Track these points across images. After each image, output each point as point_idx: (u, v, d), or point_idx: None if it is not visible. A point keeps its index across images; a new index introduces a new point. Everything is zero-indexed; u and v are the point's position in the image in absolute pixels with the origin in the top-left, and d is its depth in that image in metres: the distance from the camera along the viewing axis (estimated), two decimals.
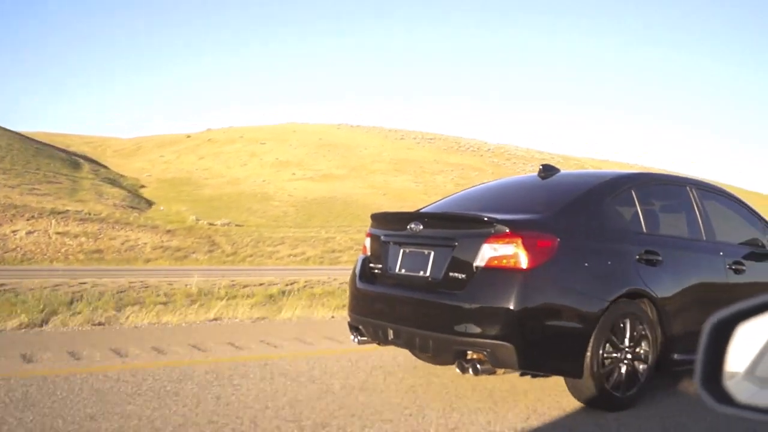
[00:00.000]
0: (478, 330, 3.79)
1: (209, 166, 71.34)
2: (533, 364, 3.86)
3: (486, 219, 3.95)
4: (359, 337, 4.55)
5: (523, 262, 3.78)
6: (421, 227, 4.26)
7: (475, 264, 3.91)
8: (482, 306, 3.81)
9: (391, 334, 4.27)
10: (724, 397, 1.06)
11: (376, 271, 4.59)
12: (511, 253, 3.81)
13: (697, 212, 4.92)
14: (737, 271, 4.88)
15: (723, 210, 5.36)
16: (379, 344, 4.55)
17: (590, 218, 4.25)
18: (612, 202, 4.45)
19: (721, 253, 4.86)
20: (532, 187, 4.95)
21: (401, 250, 4.42)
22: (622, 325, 4.04)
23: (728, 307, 1.08)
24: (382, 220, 4.77)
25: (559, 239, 3.91)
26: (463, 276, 3.93)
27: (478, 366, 3.78)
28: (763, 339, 1.06)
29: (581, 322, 3.88)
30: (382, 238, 4.61)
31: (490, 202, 4.64)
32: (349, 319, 4.74)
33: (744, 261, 4.98)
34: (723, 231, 5.10)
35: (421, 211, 4.72)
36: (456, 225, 4.19)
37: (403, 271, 4.36)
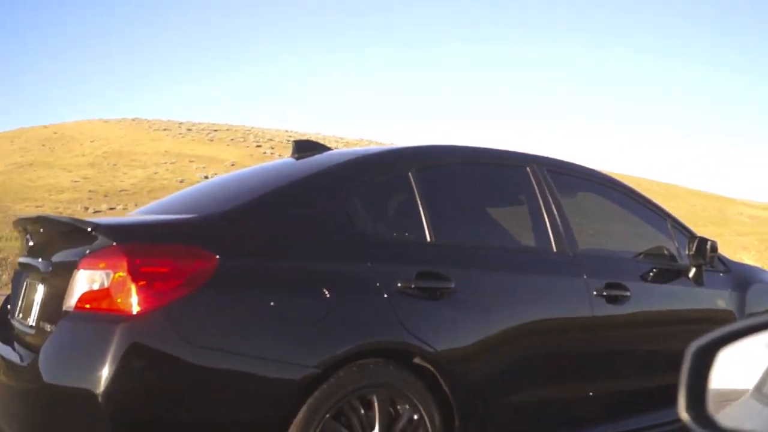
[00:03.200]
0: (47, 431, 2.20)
1: None
2: None
3: (87, 227, 2.26)
4: None
5: (132, 302, 2.08)
6: (32, 243, 2.71)
7: (64, 306, 2.23)
8: (57, 386, 2.16)
9: None
10: (708, 423, 1.07)
11: (8, 316, 2.86)
12: (110, 285, 2.12)
13: (542, 208, 3.10)
14: (614, 300, 3.10)
15: (604, 205, 3.67)
16: None
17: (302, 221, 2.50)
18: (362, 193, 2.67)
19: (585, 275, 3.04)
20: (265, 172, 3.10)
21: (26, 282, 2.74)
22: (361, 409, 2.35)
23: (708, 334, 1.10)
24: (18, 228, 2.92)
25: (218, 257, 2.20)
26: (51, 328, 2.28)
27: None
28: (750, 362, 1.12)
29: (259, 411, 2.19)
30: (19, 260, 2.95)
31: (196, 201, 2.86)
32: None
33: (628, 284, 3.17)
34: (598, 237, 3.69)
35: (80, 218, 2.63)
36: (56, 237, 2.56)
37: (20, 316, 2.67)
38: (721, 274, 3.78)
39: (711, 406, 1.07)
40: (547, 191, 3.16)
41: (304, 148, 3.21)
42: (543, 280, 2.99)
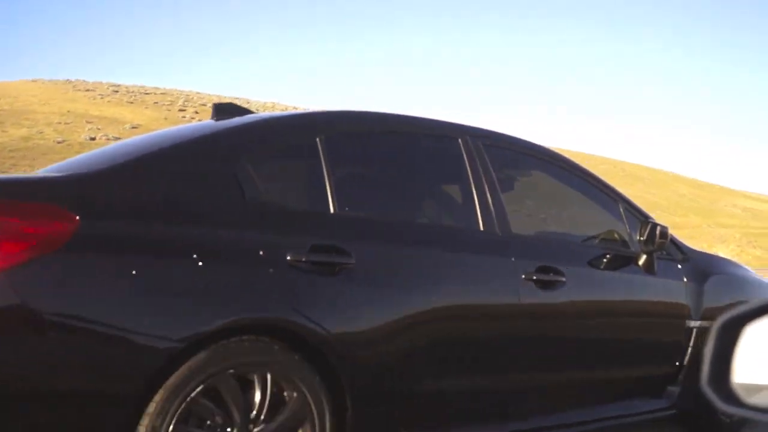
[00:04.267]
0: None
1: None
2: None
3: None
4: None
5: None
6: None
7: None
8: None
9: None
10: (731, 398, 1.08)
11: None
12: None
13: (471, 184, 2.87)
14: (547, 285, 2.87)
15: (551, 185, 3.52)
16: None
17: (183, 185, 2.30)
18: (260, 158, 2.52)
19: (513, 257, 2.81)
20: (164, 134, 2.89)
21: None
22: (236, 390, 2.16)
23: (735, 308, 1.11)
24: None
25: (80, 219, 2.03)
26: None
27: None
28: None
29: (111, 387, 2.02)
30: None
31: (83, 161, 2.63)
32: None
33: (565, 269, 2.93)
34: (541, 218, 3.54)
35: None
36: None
37: None
38: (679, 264, 3.51)
39: (735, 381, 1.06)
40: (479, 166, 2.90)
41: (224, 111, 2.84)
42: (462, 260, 2.73)
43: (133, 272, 2.03)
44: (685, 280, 3.45)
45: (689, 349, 3.39)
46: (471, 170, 2.86)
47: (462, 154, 2.88)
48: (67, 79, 70.27)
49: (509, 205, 2.96)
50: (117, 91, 61.99)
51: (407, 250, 2.58)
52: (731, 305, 3.46)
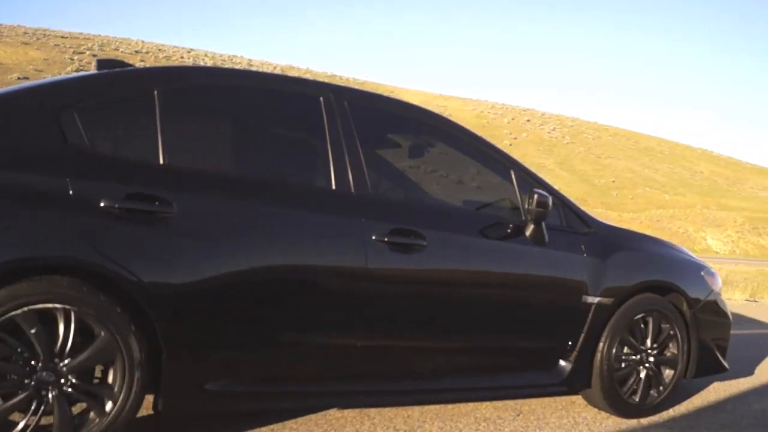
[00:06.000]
0: None
1: None
2: None
3: None
4: None
5: None
6: None
7: None
8: None
9: None
10: None
11: None
12: None
13: (328, 142, 2.90)
14: (402, 248, 2.87)
15: (436, 149, 3.62)
16: None
17: (5, 132, 2.39)
18: (89, 107, 2.53)
19: (363, 218, 2.82)
20: (22, 85, 2.96)
21: None
22: (34, 328, 2.29)
23: None
24: None
25: None
26: None
27: None
28: None
29: None
30: None
31: None
32: None
33: (427, 233, 2.92)
34: (413, 182, 3.57)
35: None
36: None
37: None
38: (581, 237, 3.40)
39: None
40: (339, 125, 2.92)
41: (106, 66, 2.89)
42: (300, 218, 2.71)
43: None
44: (584, 254, 3.34)
45: (585, 326, 3.30)
46: (329, 129, 2.86)
47: (321, 112, 2.87)
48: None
49: (381, 167, 3.08)
50: (26, 33, 55.97)
51: (239, 205, 2.58)
52: (643, 283, 3.44)
